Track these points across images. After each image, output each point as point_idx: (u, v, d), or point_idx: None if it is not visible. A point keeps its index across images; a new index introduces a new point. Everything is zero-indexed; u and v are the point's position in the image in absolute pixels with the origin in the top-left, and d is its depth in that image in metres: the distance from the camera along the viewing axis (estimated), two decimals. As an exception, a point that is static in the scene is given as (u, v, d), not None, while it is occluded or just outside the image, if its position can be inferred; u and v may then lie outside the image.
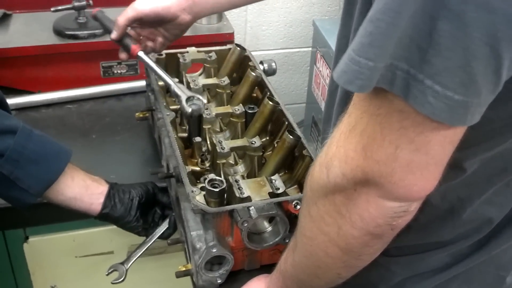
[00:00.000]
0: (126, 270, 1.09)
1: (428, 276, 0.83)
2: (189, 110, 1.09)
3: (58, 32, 1.52)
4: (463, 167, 0.71)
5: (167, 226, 1.14)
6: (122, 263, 1.10)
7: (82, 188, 1.05)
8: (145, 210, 1.13)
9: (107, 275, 1.10)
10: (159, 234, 1.13)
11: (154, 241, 1.13)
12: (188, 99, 1.10)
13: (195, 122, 1.17)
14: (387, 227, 0.67)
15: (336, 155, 0.65)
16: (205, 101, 1.12)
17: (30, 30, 1.54)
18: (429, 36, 0.51)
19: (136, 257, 1.11)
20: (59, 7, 1.51)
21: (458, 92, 0.52)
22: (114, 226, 1.13)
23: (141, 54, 1.17)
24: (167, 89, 1.35)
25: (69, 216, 1.13)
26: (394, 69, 0.54)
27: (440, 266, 0.82)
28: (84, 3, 1.54)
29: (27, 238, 1.29)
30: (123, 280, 1.09)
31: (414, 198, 0.64)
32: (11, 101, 1.42)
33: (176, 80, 1.15)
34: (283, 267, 0.86)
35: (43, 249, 1.31)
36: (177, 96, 1.11)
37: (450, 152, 0.60)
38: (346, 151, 0.64)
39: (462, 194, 0.67)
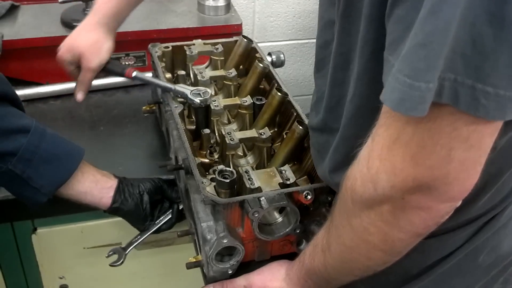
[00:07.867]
0: (125, 255, 1.12)
1: (456, 249, 0.84)
2: (198, 100, 1.15)
3: (66, 24, 1.51)
4: (494, 145, 0.72)
5: (170, 216, 1.15)
6: (123, 248, 1.12)
7: (92, 183, 1.05)
8: (153, 204, 1.13)
9: (107, 257, 1.12)
10: (161, 223, 1.14)
11: (155, 229, 1.13)
12: (192, 92, 1.16)
13: (203, 113, 1.17)
14: (435, 225, 0.69)
15: (381, 168, 0.65)
16: (210, 91, 1.17)
17: (38, 22, 1.53)
18: (473, 43, 0.52)
19: (137, 243, 1.13)
20: (67, -1, 1.51)
21: (508, 89, 0.54)
22: (122, 218, 1.13)
23: (135, 74, 1.25)
24: (174, 81, 1.34)
25: (77, 208, 1.13)
26: (441, 81, 0.55)
27: (468, 237, 0.84)
28: (91, -6, 1.54)
29: (35, 229, 1.29)
30: (121, 264, 1.11)
31: (466, 194, 0.65)
32: (19, 92, 1.41)
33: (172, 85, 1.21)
34: (308, 263, 0.86)
35: (51, 241, 1.31)
36: (181, 93, 1.18)
37: (495, 139, 0.61)
38: (392, 164, 0.64)
39: (492, 170, 0.69)
